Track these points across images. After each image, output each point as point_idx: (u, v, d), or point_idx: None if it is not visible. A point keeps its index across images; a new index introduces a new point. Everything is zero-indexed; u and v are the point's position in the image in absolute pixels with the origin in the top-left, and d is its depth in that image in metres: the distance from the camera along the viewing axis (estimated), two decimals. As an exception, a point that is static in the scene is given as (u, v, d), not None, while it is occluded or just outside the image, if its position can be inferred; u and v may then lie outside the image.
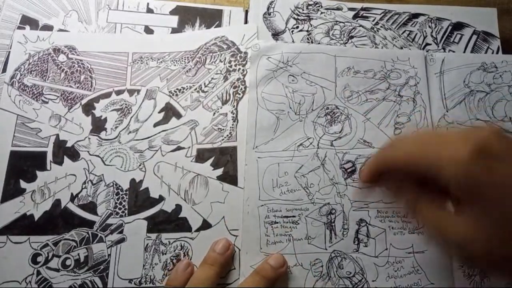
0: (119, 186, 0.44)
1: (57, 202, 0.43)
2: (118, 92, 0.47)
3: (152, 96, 0.47)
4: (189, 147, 0.45)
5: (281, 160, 0.44)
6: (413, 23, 0.52)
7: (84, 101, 0.47)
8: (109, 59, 0.49)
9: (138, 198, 0.43)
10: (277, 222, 0.42)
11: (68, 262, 0.41)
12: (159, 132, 0.46)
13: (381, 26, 0.51)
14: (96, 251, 0.41)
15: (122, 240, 0.42)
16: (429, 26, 0.52)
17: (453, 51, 0.50)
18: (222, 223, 0.43)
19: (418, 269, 0.41)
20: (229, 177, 0.44)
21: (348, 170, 0.44)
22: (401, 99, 0.47)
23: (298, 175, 0.44)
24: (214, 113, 0.47)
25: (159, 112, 0.47)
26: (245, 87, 0.47)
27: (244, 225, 0.42)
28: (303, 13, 0.52)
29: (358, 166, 0.45)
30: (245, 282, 0.40)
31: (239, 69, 0.48)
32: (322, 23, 0.51)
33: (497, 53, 0.51)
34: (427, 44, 0.51)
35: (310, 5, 0.52)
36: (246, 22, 0.51)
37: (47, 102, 0.47)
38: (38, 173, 0.44)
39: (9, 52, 0.48)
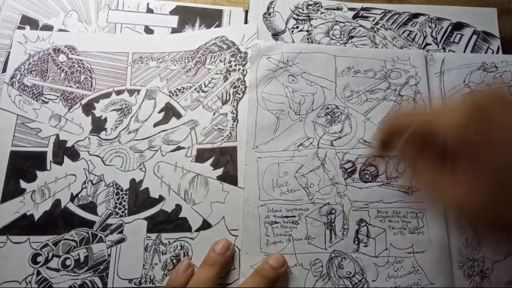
0: (119, 186, 0.44)
1: (57, 202, 0.43)
2: (118, 92, 0.47)
3: (152, 96, 0.47)
4: (189, 147, 0.45)
5: (281, 160, 0.44)
6: (413, 23, 0.52)
7: (84, 101, 0.47)
8: (109, 59, 0.49)
9: (138, 198, 0.43)
10: (277, 222, 0.42)
11: (68, 262, 0.41)
12: (159, 132, 0.46)
13: (381, 26, 0.51)
14: (96, 251, 0.41)
15: (122, 240, 0.42)
16: (429, 26, 0.52)
17: (453, 51, 0.50)
18: (222, 223, 0.43)
19: (418, 269, 0.41)
20: (229, 177, 0.44)
21: (348, 170, 0.44)
22: (401, 99, 0.47)
23: (298, 175, 0.44)
24: (214, 113, 0.47)
25: (159, 112, 0.47)
26: (245, 87, 0.47)
27: (244, 225, 0.42)
28: (303, 13, 0.52)
29: (358, 166, 0.45)
30: (245, 282, 0.40)
31: (239, 69, 0.48)
32: (322, 23, 0.51)
33: (497, 53, 0.51)
34: (427, 44, 0.51)
35: (310, 5, 0.52)
36: (246, 22, 0.51)
37: (47, 102, 0.47)
38: (38, 173, 0.44)
39: (9, 52, 0.48)
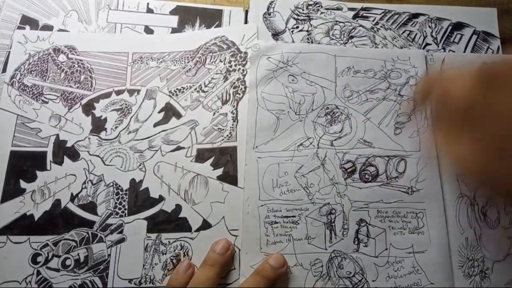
0: (119, 186, 0.44)
1: (57, 202, 0.43)
2: (118, 92, 0.47)
3: (152, 96, 0.47)
4: (189, 147, 0.45)
5: (281, 160, 0.44)
6: (413, 23, 0.52)
7: (84, 101, 0.47)
8: (109, 59, 0.49)
9: (138, 198, 0.43)
10: (277, 222, 0.42)
11: (68, 262, 0.41)
12: (159, 132, 0.46)
13: (381, 26, 0.51)
14: (96, 251, 0.41)
15: (122, 240, 0.42)
16: (429, 26, 0.52)
17: (453, 51, 0.50)
18: (222, 223, 0.43)
19: (418, 269, 0.41)
20: (229, 177, 0.44)
21: (348, 170, 0.44)
22: (401, 99, 0.47)
23: (298, 175, 0.44)
24: (214, 113, 0.47)
25: (159, 112, 0.47)
26: (245, 87, 0.47)
27: (244, 225, 0.42)
28: (303, 13, 0.52)
29: (358, 166, 0.45)
30: (245, 282, 0.40)
31: (239, 69, 0.48)
32: (322, 23, 0.51)
33: (497, 53, 0.51)
34: (427, 44, 0.51)
35: (310, 5, 0.52)
36: (246, 22, 0.51)
37: (47, 102, 0.47)
38: (38, 173, 0.44)
39: (9, 52, 0.48)
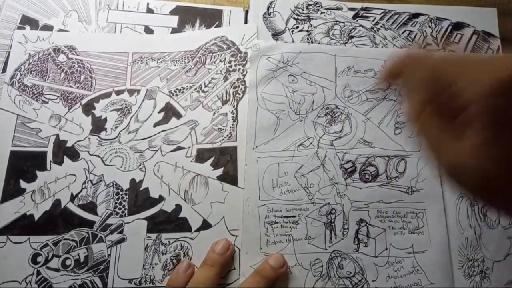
0: (119, 186, 0.44)
1: (57, 202, 0.43)
2: (118, 92, 0.47)
3: (152, 96, 0.47)
4: (189, 147, 0.45)
5: (281, 160, 0.44)
6: (413, 23, 0.52)
7: (84, 101, 0.47)
8: (109, 59, 0.49)
9: (138, 198, 0.43)
10: (277, 222, 0.42)
11: (68, 262, 0.41)
12: (159, 132, 0.46)
13: (381, 26, 0.51)
14: (96, 251, 0.41)
15: (122, 240, 0.42)
16: (429, 26, 0.52)
17: (453, 51, 0.50)
18: (222, 223, 0.43)
19: (418, 269, 0.41)
20: (229, 177, 0.44)
21: (348, 170, 0.44)
22: (401, 99, 0.47)
23: (298, 175, 0.44)
24: (214, 113, 0.47)
25: (159, 112, 0.47)
26: (245, 87, 0.47)
27: (244, 225, 0.42)
28: (303, 13, 0.52)
29: (358, 166, 0.44)
30: (245, 282, 0.40)
31: (239, 69, 0.48)
32: (322, 23, 0.51)
33: (497, 53, 0.51)
34: (427, 44, 0.51)
35: (310, 5, 0.52)
36: (246, 22, 0.51)
37: (47, 102, 0.47)
38: (38, 173, 0.44)
39: (9, 52, 0.48)
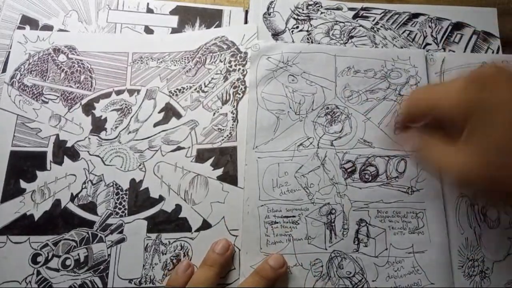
0: (119, 186, 0.44)
1: (57, 202, 0.43)
2: (118, 92, 0.47)
3: (152, 96, 0.47)
4: (189, 147, 0.45)
5: (281, 160, 0.44)
6: (413, 23, 0.52)
7: (84, 101, 0.47)
8: (109, 59, 0.49)
9: (138, 198, 0.43)
10: (277, 222, 0.42)
11: (68, 262, 0.41)
12: (159, 132, 0.46)
13: (381, 26, 0.51)
14: (96, 251, 0.41)
15: (122, 240, 0.42)
16: (429, 26, 0.52)
17: (453, 51, 0.50)
18: (222, 223, 0.43)
19: (418, 269, 0.41)
20: (229, 177, 0.44)
21: (348, 170, 0.44)
22: (401, 99, 0.47)
23: (298, 175, 0.44)
24: (214, 113, 0.47)
25: (159, 112, 0.47)
26: (245, 87, 0.47)
27: (244, 225, 0.42)
28: (303, 13, 0.52)
29: (358, 166, 0.44)
30: (245, 282, 0.40)
31: (239, 69, 0.48)
32: (322, 23, 0.51)
33: (497, 53, 0.51)
34: (427, 44, 0.51)
35: (310, 5, 0.52)
36: (246, 22, 0.51)
37: (47, 102, 0.47)
38: (38, 173, 0.44)
39: (9, 52, 0.48)
